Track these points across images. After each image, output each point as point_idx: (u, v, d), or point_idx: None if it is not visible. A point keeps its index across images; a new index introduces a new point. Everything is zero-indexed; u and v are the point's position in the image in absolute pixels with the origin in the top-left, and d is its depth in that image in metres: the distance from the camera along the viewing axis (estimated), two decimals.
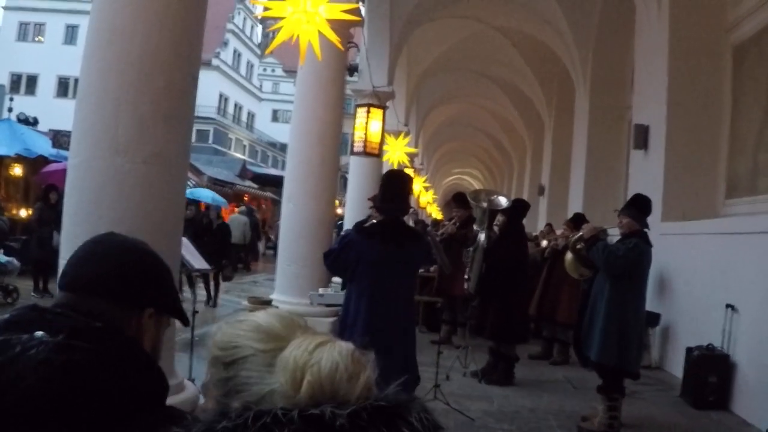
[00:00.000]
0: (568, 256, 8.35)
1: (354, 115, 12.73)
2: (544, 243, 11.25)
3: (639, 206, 7.31)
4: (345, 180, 18.10)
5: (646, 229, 7.21)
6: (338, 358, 1.42)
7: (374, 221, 5.95)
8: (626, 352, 6.99)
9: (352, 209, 14.31)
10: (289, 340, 1.49)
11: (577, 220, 11.13)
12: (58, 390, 1.63)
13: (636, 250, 7.01)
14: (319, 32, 6.93)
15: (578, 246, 7.90)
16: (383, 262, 5.49)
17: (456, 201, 12.16)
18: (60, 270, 2.23)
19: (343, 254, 5.64)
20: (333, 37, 7.10)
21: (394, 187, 5.75)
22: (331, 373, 1.39)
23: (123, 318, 1.89)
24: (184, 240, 6.25)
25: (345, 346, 1.46)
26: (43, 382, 1.62)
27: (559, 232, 11.46)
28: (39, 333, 1.70)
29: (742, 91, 10.63)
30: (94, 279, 1.90)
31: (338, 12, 7.07)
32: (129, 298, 1.93)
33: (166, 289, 2.06)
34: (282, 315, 1.60)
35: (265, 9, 7.33)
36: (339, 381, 1.39)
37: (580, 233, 8.04)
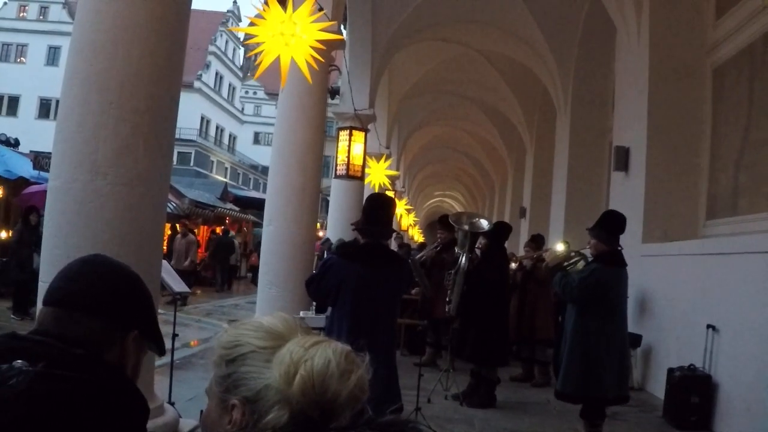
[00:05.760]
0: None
1: (336, 138, 12.76)
2: (514, 265, 11.25)
3: (607, 227, 7.11)
4: (326, 202, 18.09)
5: (619, 248, 7.09)
6: (331, 355, 1.47)
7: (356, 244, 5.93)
8: (593, 381, 6.81)
9: (334, 232, 14.27)
10: (289, 339, 1.54)
11: (538, 240, 11.32)
12: (39, 420, 1.60)
13: (592, 277, 6.86)
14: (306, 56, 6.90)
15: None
16: (365, 286, 5.41)
17: (441, 223, 12.13)
18: (42, 288, 2.19)
19: (324, 279, 5.56)
20: (311, 61, 7.08)
21: (377, 211, 5.68)
22: (322, 369, 1.44)
23: (106, 341, 1.86)
24: (164, 263, 6.22)
25: (340, 346, 1.52)
26: (25, 412, 1.59)
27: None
28: (18, 362, 1.66)
29: (721, 113, 10.71)
30: (85, 295, 1.87)
31: (317, 32, 7.02)
32: (118, 316, 1.90)
33: (150, 313, 2.04)
34: (285, 317, 1.65)
35: (248, 36, 7.30)
36: (330, 377, 1.44)
37: (546, 261, 8.10)
